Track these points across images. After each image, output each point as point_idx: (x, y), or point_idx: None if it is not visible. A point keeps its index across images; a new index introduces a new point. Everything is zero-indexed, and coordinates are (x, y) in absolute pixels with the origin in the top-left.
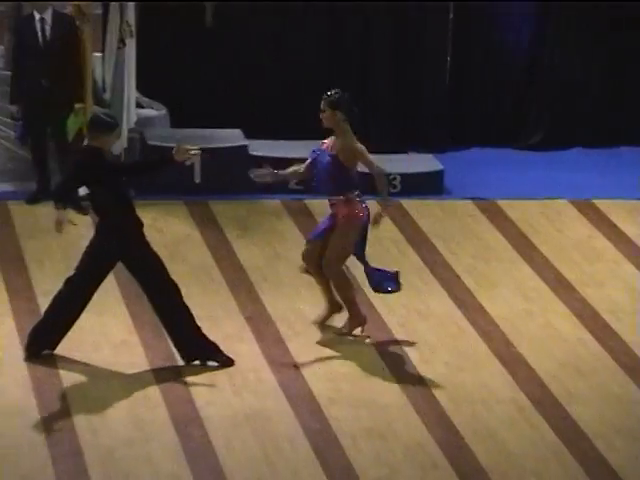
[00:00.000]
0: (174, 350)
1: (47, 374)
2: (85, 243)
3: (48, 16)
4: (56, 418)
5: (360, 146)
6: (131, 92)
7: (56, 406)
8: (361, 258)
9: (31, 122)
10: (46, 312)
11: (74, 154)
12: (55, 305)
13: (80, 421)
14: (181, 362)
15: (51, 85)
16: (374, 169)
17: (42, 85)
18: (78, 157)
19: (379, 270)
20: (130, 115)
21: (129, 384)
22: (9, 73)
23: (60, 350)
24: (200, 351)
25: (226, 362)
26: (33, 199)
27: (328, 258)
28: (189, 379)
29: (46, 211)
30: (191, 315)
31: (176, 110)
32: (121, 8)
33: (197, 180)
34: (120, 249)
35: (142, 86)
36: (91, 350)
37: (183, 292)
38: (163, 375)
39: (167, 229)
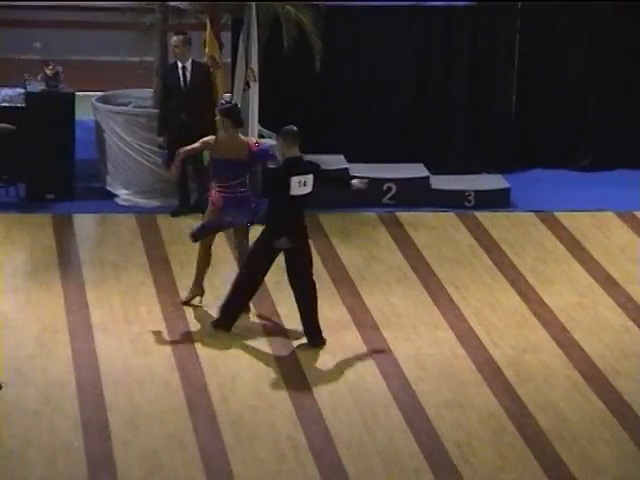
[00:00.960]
0: (287, 333)
1: (187, 354)
2: (217, 250)
3: (188, 65)
4: (195, 389)
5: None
6: (254, 125)
7: (195, 380)
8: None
9: (174, 150)
10: (227, 297)
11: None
12: (235, 291)
13: (214, 392)
14: (295, 343)
15: (190, 120)
16: None
17: (183, 120)
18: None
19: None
20: None
21: (253, 362)
22: (157, 111)
23: (198, 332)
24: (318, 337)
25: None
26: (176, 213)
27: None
28: (303, 360)
29: (187, 222)
30: (316, 307)
31: None
32: (246, 57)
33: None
34: (290, 240)
35: (263, 120)
36: (221, 334)
37: None
38: (283, 356)
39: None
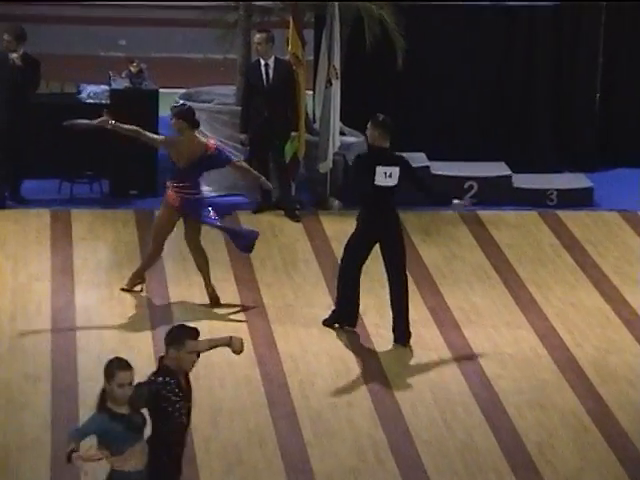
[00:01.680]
0: (368, 331)
1: (268, 350)
2: (299, 246)
3: (271, 62)
4: (275, 386)
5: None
6: (336, 122)
7: (275, 376)
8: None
9: (256, 147)
10: (338, 294)
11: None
12: (341, 287)
13: (294, 388)
14: (375, 340)
15: (272, 117)
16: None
17: (265, 117)
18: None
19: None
20: (335, 141)
21: (333, 359)
22: (239, 108)
23: (279, 329)
24: (404, 336)
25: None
26: (258, 209)
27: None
28: (383, 357)
29: (268, 219)
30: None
31: None
32: (329, 54)
33: None
34: (386, 231)
35: (344, 117)
36: (304, 332)
37: (376, 286)
38: (363, 353)
39: None
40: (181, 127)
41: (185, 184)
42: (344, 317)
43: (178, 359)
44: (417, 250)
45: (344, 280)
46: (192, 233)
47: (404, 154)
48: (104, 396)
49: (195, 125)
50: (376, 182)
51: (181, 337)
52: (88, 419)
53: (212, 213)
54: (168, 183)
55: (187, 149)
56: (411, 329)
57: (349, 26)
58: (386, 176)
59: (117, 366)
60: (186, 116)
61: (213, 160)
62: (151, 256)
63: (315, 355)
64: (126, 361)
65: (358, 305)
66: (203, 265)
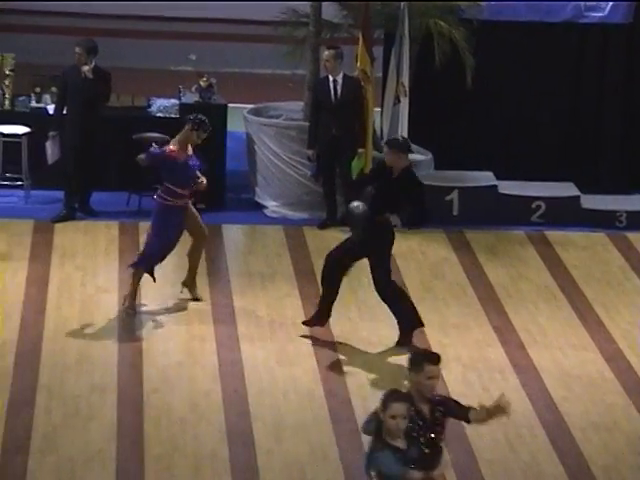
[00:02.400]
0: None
1: (332, 366)
2: (363, 261)
3: (339, 78)
4: (338, 402)
5: None
6: None
7: (339, 392)
8: None
9: (323, 163)
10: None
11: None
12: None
13: (358, 405)
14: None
15: (340, 134)
16: None
17: (333, 134)
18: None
19: None
20: None
21: (396, 377)
22: (307, 124)
23: (343, 345)
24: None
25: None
26: (323, 225)
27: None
28: (447, 376)
29: (334, 235)
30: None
31: (439, 155)
32: (397, 72)
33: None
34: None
35: (412, 135)
36: (368, 348)
37: (440, 304)
38: None
39: (429, 252)
40: (194, 139)
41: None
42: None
43: (417, 384)
44: (483, 269)
45: (403, 296)
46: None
47: (472, 173)
48: (380, 427)
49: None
50: None
51: (420, 361)
52: (375, 456)
53: None
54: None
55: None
56: (475, 348)
57: (418, 43)
58: None
59: (392, 398)
60: (202, 127)
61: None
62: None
63: (379, 372)
64: (401, 393)
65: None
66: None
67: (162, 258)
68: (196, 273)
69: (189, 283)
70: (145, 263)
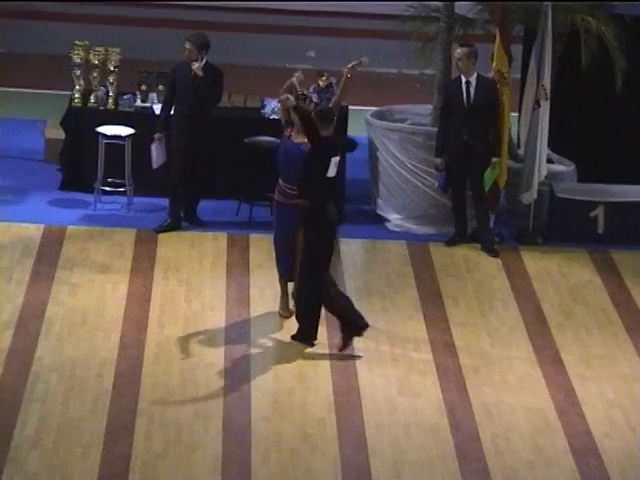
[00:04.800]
0: (573, 385)
1: (458, 398)
2: (496, 284)
3: (473, 79)
4: (465, 437)
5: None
6: (543, 149)
7: (466, 427)
8: None
9: (452, 173)
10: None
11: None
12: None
13: (487, 442)
14: (582, 396)
15: (471, 140)
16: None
17: (463, 141)
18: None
19: None
20: (541, 169)
21: (532, 412)
22: (435, 129)
23: (472, 375)
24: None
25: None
26: (451, 241)
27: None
28: (587, 412)
29: (462, 253)
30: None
31: (583, 166)
32: (538, 73)
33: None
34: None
35: (553, 143)
36: (499, 380)
37: (581, 332)
38: (562, 405)
39: (570, 274)
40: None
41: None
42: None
43: None
44: (631, 294)
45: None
46: None
47: (620, 186)
48: None
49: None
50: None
51: None
52: None
53: None
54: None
55: None
56: (622, 382)
57: (562, 41)
58: (335, 165)
59: None
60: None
61: None
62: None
63: (511, 406)
64: None
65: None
66: None
67: (278, 261)
68: None
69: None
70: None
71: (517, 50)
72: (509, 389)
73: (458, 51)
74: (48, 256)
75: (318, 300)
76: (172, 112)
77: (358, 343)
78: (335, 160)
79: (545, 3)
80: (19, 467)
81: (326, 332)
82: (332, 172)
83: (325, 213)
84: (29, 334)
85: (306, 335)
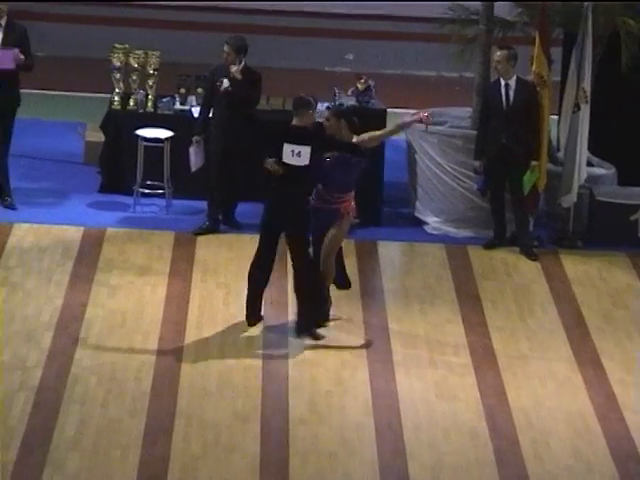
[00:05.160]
0: (613, 390)
1: (497, 402)
2: (535, 288)
3: (512, 82)
4: (504, 442)
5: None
6: (583, 152)
7: (505, 432)
8: None
9: (491, 176)
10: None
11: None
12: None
13: (526, 447)
14: (619, 401)
15: (510, 143)
16: (374, 139)
17: (503, 143)
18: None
19: None
20: (581, 172)
21: (572, 417)
22: (474, 132)
23: (511, 379)
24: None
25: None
26: (490, 244)
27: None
28: (628, 417)
29: (501, 256)
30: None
31: (624, 169)
32: (578, 75)
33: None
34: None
35: (592, 146)
36: (538, 384)
37: (622, 337)
38: (603, 410)
39: (610, 278)
40: (340, 128)
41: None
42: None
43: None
44: None
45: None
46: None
47: None
48: None
49: (354, 126)
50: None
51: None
52: None
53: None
54: (337, 195)
55: None
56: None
57: (603, 44)
58: (293, 154)
59: None
60: (346, 115)
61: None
62: (330, 276)
63: (550, 411)
64: None
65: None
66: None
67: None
68: None
69: None
70: None
71: (557, 53)
72: (548, 393)
73: (497, 54)
74: (88, 258)
75: (318, 281)
76: (210, 115)
77: (396, 346)
78: (291, 147)
79: (585, 5)
80: (59, 468)
81: (364, 335)
82: (287, 158)
83: (279, 198)
84: (69, 336)
85: (316, 318)
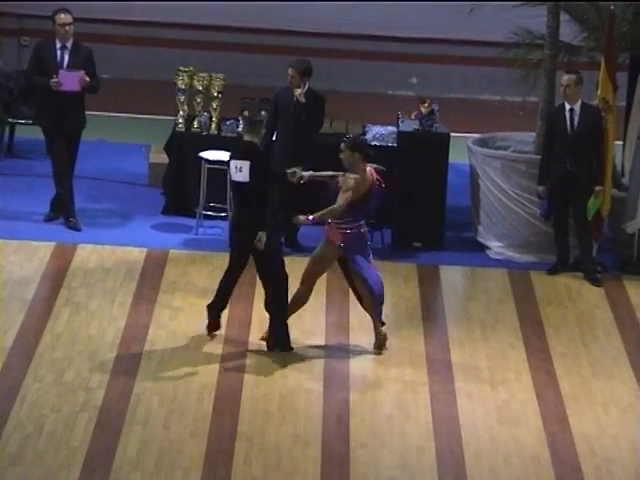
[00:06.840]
0: None
1: (559, 428)
2: (599, 313)
3: (577, 107)
4: (567, 469)
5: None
6: None
7: (567, 458)
8: None
9: (555, 201)
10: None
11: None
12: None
13: (589, 475)
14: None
15: (575, 169)
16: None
17: (567, 168)
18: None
19: None
20: None
21: (635, 445)
22: (538, 157)
23: (573, 405)
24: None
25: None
26: (553, 270)
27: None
28: None
29: (565, 281)
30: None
31: None
32: None
33: None
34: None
35: None
36: (601, 411)
37: None
38: None
39: None
40: (355, 160)
41: (347, 219)
42: None
43: None
44: None
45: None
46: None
47: None
48: None
49: (368, 158)
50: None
51: None
52: None
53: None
54: (330, 221)
55: (362, 183)
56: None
57: None
58: (236, 170)
59: None
60: (361, 148)
61: (379, 194)
62: (301, 300)
63: (614, 438)
64: None
65: None
66: (368, 305)
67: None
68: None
69: None
70: None
71: (622, 78)
72: (611, 420)
73: (565, 78)
74: (151, 279)
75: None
76: (274, 138)
77: (458, 371)
78: (235, 163)
79: None
80: None
81: (426, 360)
82: (234, 176)
83: (235, 216)
84: (131, 356)
85: (287, 339)
